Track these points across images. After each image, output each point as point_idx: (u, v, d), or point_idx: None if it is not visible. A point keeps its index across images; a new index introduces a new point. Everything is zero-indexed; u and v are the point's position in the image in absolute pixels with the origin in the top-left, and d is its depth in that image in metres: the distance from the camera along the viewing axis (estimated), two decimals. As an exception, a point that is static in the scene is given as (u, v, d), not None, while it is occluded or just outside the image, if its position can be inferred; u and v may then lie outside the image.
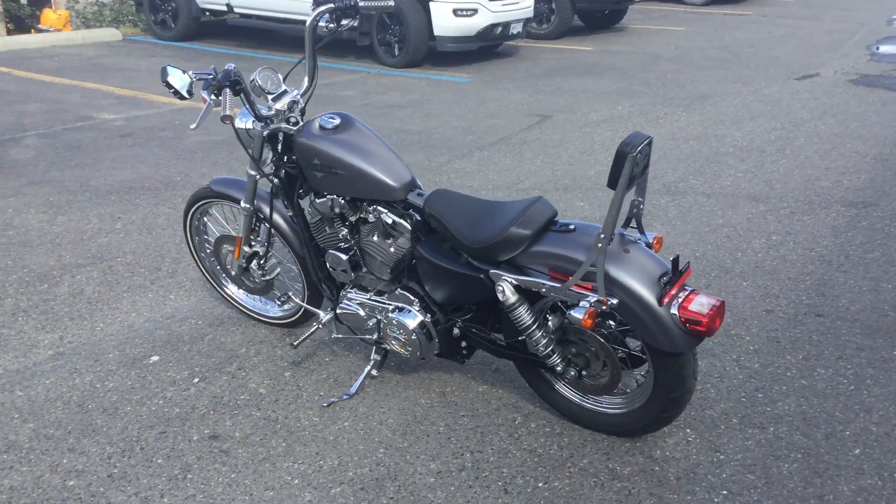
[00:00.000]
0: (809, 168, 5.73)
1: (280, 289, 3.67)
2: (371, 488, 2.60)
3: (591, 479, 2.62)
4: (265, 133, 2.98)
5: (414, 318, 2.88)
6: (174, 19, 11.45)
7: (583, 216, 4.87)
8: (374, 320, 3.01)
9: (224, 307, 3.79)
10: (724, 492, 2.56)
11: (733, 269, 4.12)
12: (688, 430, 2.85)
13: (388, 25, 9.68)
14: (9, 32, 12.55)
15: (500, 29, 9.81)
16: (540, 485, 2.61)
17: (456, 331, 2.92)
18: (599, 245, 2.36)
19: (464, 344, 2.97)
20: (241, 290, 3.67)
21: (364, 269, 3.08)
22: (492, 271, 2.63)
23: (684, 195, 5.23)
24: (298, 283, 3.42)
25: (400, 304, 2.94)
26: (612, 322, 2.68)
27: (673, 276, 2.45)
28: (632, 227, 2.62)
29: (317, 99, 8.00)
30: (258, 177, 3.15)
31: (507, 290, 2.60)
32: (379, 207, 2.90)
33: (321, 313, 3.18)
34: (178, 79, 2.69)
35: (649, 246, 2.59)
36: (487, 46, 10.46)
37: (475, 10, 9.43)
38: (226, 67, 2.71)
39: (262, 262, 3.40)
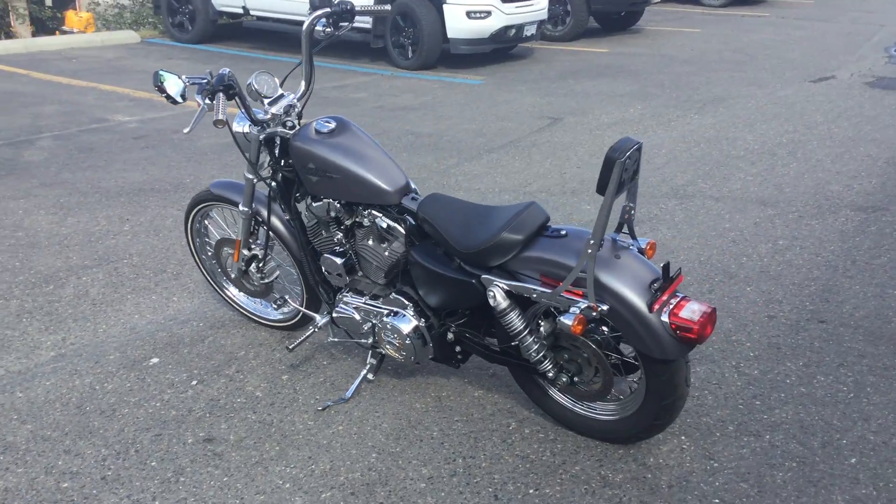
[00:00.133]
0: (820, 172, 5.68)
1: (280, 292, 3.69)
2: (361, 493, 2.60)
3: (583, 487, 2.61)
4: (262, 137, 3.00)
5: (408, 323, 2.88)
6: (191, 22, 11.54)
7: (589, 220, 4.85)
8: (370, 324, 3.02)
9: (225, 309, 3.81)
10: (717, 500, 2.54)
11: (738, 273, 4.08)
12: (682, 438, 2.83)
13: (401, 28, 9.70)
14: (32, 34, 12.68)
15: (513, 31, 9.79)
16: (531, 491, 2.60)
17: (450, 335, 2.92)
18: (589, 251, 2.35)
19: (458, 349, 2.96)
20: (241, 293, 3.69)
21: (360, 273, 3.08)
22: (483, 276, 2.63)
23: (692, 199, 5.19)
24: (298, 286, 3.43)
25: (394, 309, 2.94)
26: (605, 328, 2.67)
27: (664, 282, 2.44)
28: (624, 233, 2.60)
29: (329, 101, 8.03)
30: (255, 180, 3.17)
31: (498, 295, 2.59)
32: (374, 211, 2.91)
33: (318, 317, 3.19)
34: (173, 83, 2.71)
35: (642, 252, 2.57)
36: (501, 48, 10.45)
37: (488, 13, 9.42)
38: (220, 72, 2.72)
39: (260, 265, 3.41)
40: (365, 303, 3.03)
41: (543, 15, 10.31)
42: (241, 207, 3.27)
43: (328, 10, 3.01)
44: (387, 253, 2.93)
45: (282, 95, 3.00)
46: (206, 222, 3.66)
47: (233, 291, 3.70)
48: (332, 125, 2.92)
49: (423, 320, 2.89)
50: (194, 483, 2.66)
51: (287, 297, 3.30)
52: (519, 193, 5.35)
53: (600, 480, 2.63)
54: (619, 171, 2.25)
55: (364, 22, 9.84)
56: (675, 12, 15.64)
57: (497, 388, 3.16)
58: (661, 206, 5.07)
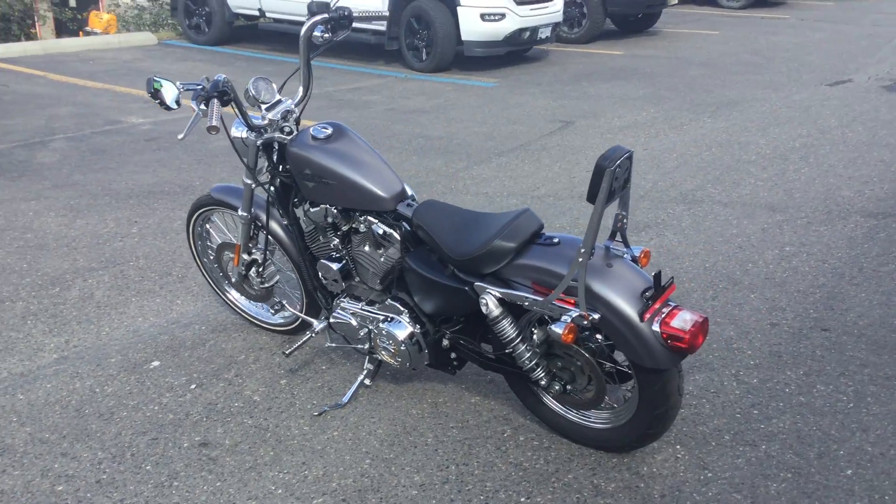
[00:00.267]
0: (832, 177, 5.62)
1: (281, 296, 3.70)
2: (353, 500, 2.60)
3: (575, 496, 2.60)
4: (259, 142, 3.01)
5: (403, 329, 2.88)
6: (208, 24, 11.62)
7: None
8: (366, 330, 3.02)
9: (227, 313, 3.83)
10: (709, 511, 2.52)
11: (742, 280, 4.05)
12: (678, 447, 2.81)
13: (416, 30, 9.71)
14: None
15: (528, 34, 9.78)
16: (522, 499, 2.59)
17: (445, 342, 2.91)
18: (580, 259, 2.34)
19: (454, 355, 2.96)
20: (242, 297, 3.70)
21: (356, 279, 3.09)
22: (476, 284, 2.62)
23: (700, 204, 5.16)
24: (298, 290, 3.44)
25: (390, 315, 2.94)
26: (599, 336, 2.65)
27: (656, 291, 2.42)
28: (617, 241, 2.59)
29: (343, 103, 8.06)
30: (254, 186, 3.18)
31: (490, 302, 2.59)
32: (370, 218, 2.91)
33: (315, 322, 3.20)
34: (169, 90, 2.72)
35: (635, 260, 2.56)
36: (516, 51, 10.43)
37: (503, 15, 9.41)
38: (215, 78, 2.74)
39: (260, 269, 3.43)
40: (361, 308, 3.03)
41: (558, 17, 10.29)
42: (239, 212, 3.28)
43: (325, 16, 3.02)
44: (382, 259, 2.93)
45: (279, 101, 3.01)
46: (208, 226, 3.68)
47: (234, 295, 3.72)
48: (329, 131, 2.93)
49: (418, 327, 2.89)
50: (187, 487, 2.67)
51: (284, 301, 3.31)
52: (527, 197, 5.34)
53: (592, 489, 2.62)
54: (609, 180, 2.24)
55: (379, 24, 9.86)
56: (693, 14, 15.54)
57: (494, 394, 3.15)
58: (668, 210, 5.04)
